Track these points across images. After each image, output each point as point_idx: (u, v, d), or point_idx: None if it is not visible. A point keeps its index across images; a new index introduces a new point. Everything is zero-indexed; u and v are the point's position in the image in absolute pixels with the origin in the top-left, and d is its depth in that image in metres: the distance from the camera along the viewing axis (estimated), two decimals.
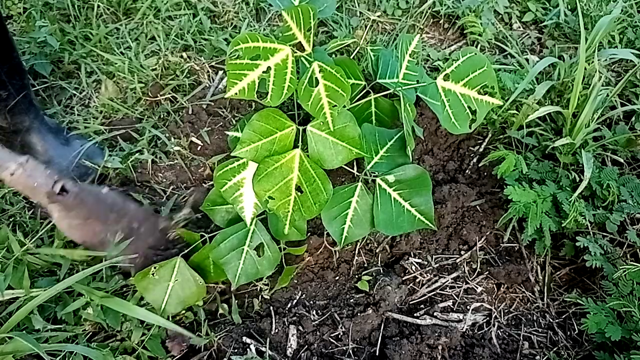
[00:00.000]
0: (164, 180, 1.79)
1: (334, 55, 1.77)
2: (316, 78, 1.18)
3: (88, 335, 1.37)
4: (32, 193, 1.30)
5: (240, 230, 1.33)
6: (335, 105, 1.19)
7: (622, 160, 1.79)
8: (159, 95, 1.94)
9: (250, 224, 1.30)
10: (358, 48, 1.78)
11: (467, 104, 1.32)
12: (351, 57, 1.68)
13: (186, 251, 1.40)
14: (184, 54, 2.09)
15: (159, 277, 1.33)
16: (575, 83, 1.69)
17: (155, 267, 1.33)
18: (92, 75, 2.04)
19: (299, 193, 1.23)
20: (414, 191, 1.32)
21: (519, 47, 2.31)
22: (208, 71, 2.07)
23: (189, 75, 2.02)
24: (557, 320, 1.56)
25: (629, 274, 1.43)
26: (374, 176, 1.33)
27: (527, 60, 2.15)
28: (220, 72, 2.08)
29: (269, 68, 1.16)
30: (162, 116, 1.92)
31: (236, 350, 1.43)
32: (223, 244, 1.32)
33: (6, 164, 1.25)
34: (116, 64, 2.02)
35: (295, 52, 1.18)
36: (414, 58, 1.40)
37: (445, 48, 2.36)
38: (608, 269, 1.50)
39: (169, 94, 1.95)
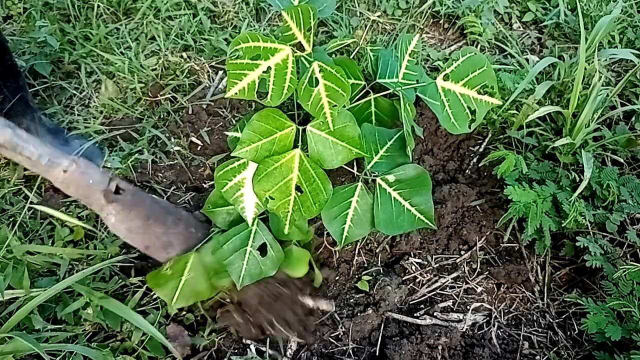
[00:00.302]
0: (164, 180, 1.79)
1: (333, 55, 1.77)
2: (316, 78, 1.18)
3: (88, 335, 1.37)
4: (87, 192, 1.17)
5: (243, 231, 1.33)
6: (335, 105, 1.19)
7: (622, 160, 1.79)
8: (159, 95, 1.94)
9: (252, 224, 1.30)
10: (358, 48, 1.78)
11: (467, 104, 1.32)
12: (351, 57, 1.68)
13: (199, 245, 1.39)
14: (184, 54, 2.09)
15: (172, 272, 1.31)
16: (575, 83, 1.69)
17: (169, 262, 1.32)
18: (92, 75, 2.04)
19: (299, 193, 1.23)
20: (414, 191, 1.32)
21: (519, 47, 2.31)
22: (208, 71, 2.07)
23: (189, 75, 2.02)
24: (557, 320, 1.56)
25: (629, 274, 1.43)
26: (374, 176, 1.33)
27: (527, 60, 2.15)
28: (220, 72, 2.08)
29: (269, 68, 1.15)
30: (162, 116, 1.92)
31: (236, 351, 1.43)
32: (226, 245, 1.32)
33: (58, 160, 1.13)
34: (116, 64, 2.02)
35: (296, 52, 1.18)
36: (413, 58, 1.39)
37: (445, 48, 2.36)
38: (608, 269, 1.50)
39: (169, 94, 1.95)
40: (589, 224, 1.59)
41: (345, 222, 1.30)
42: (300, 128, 1.24)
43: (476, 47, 2.29)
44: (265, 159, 1.21)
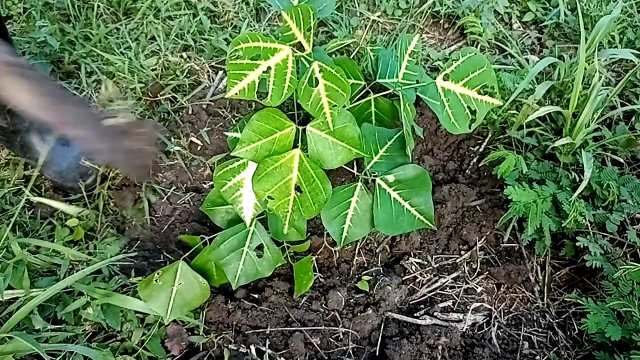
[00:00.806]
0: (164, 180, 1.79)
1: (334, 55, 1.77)
2: (316, 78, 1.18)
3: (88, 336, 1.37)
4: None
5: (240, 232, 1.33)
6: (335, 105, 1.19)
7: (622, 160, 1.78)
8: (159, 95, 1.94)
9: (250, 225, 1.30)
10: (358, 48, 1.78)
11: (467, 104, 1.32)
12: (351, 57, 1.68)
13: (187, 254, 1.39)
14: (184, 54, 2.09)
15: (162, 283, 1.32)
16: (575, 83, 1.69)
17: (158, 273, 1.32)
18: (92, 75, 2.04)
19: (299, 193, 1.23)
20: (414, 191, 1.32)
21: (519, 47, 2.31)
22: (208, 71, 2.07)
23: (189, 75, 2.02)
24: (557, 320, 1.56)
25: (629, 274, 1.43)
26: (373, 176, 1.33)
27: (527, 60, 2.15)
28: (220, 72, 2.08)
29: (269, 68, 1.16)
30: (162, 116, 1.92)
31: (235, 350, 1.43)
32: (223, 245, 1.32)
33: None
34: (116, 64, 2.02)
35: (296, 52, 1.18)
36: (413, 58, 1.39)
37: (445, 48, 2.36)
38: (608, 269, 1.50)
39: (169, 94, 1.95)
40: (589, 224, 1.59)
41: (344, 222, 1.30)
42: (300, 128, 1.24)
43: (476, 47, 2.29)
44: (265, 158, 1.21)
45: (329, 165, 1.24)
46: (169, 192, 1.75)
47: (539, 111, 1.70)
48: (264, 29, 2.27)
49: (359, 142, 1.25)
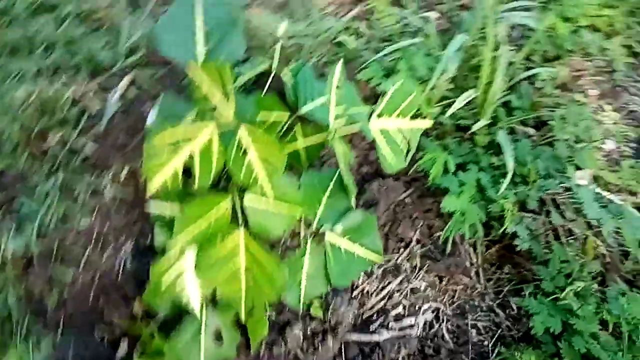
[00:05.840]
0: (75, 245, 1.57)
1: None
2: (244, 149, 1.06)
3: None
4: None
5: (193, 321, 1.22)
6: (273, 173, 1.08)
7: (532, 132, 1.86)
8: (43, 143, 1.65)
9: (201, 314, 1.19)
10: (274, 74, 1.59)
11: (402, 135, 1.27)
12: (267, 85, 1.50)
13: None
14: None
15: None
16: (485, 60, 1.69)
17: None
18: None
19: (250, 278, 1.13)
20: (362, 233, 1.28)
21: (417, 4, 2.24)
22: (95, 91, 1.77)
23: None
24: (496, 302, 1.67)
25: (554, 253, 1.55)
26: (322, 230, 1.27)
27: (425, 19, 2.07)
28: (111, 90, 1.79)
29: (192, 153, 1.01)
30: (52, 164, 1.63)
31: None
32: (177, 339, 1.21)
33: None
34: None
35: (219, 123, 1.03)
36: (340, 88, 1.27)
37: (345, 14, 2.24)
38: (536, 250, 1.61)
39: (54, 134, 1.66)
40: (511, 206, 1.65)
41: (299, 291, 1.23)
42: (238, 199, 1.13)
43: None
44: (206, 246, 1.09)
45: (275, 234, 1.16)
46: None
47: (459, 99, 1.69)
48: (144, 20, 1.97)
49: (301, 200, 1.17)
